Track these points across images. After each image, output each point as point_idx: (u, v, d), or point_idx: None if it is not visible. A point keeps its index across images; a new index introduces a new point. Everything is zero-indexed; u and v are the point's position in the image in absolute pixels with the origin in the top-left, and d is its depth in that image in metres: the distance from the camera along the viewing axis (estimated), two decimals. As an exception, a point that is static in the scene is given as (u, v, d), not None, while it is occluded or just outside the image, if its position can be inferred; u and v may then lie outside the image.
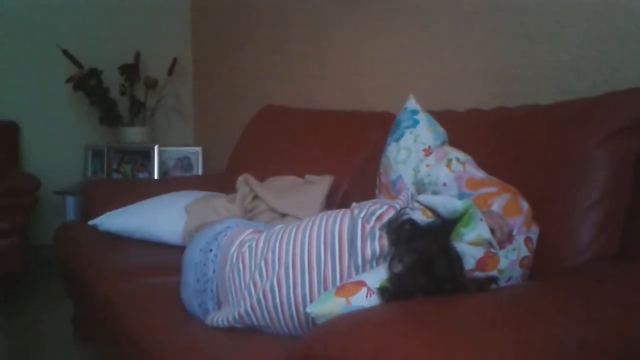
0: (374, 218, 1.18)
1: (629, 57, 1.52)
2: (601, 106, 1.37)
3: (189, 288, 1.39)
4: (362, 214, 1.20)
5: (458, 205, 1.20)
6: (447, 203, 1.22)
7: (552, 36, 1.70)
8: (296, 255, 1.23)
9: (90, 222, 2.22)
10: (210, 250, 1.38)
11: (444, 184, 1.40)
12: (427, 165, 1.46)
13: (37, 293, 3.10)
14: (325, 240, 1.21)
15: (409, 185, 1.52)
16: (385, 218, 1.18)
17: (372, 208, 1.21)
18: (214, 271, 1.36)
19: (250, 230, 1.39)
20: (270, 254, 1.26)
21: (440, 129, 1.57)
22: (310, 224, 1.27)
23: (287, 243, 1.26)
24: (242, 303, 1.27)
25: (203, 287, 1.36)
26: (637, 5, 1.49)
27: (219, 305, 1.35)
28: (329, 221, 1.24)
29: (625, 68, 1.53)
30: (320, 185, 2.03)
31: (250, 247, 1.31)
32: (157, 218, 2.09)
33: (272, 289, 1.23)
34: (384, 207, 1.21)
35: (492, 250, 1.16)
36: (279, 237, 1.29)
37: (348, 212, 1.25)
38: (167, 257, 1.93)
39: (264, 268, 1.26)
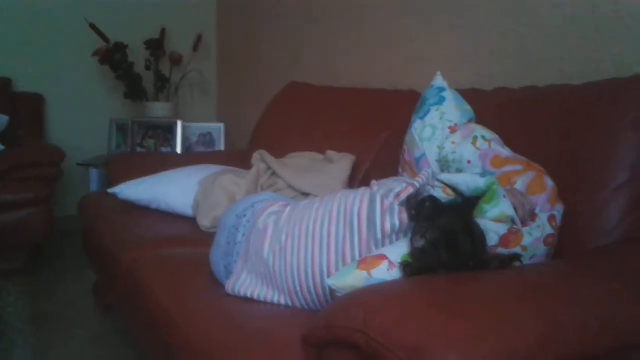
0: (392, 194, 1.19)
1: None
2: (632, 87, 1.34)
3: (219, 249, 1.42)
4: (381, 192, 1.21)
5: (481, 183, 1.19)
6: (470, 181, 1.21)
7: (584, 19, 1.66)
8: (316, 230, 1.24)
9: (110, 190, 2.25)
10: (244, 216, 1.41)
11: (469, 162, 1.39)
12: (453, 142, 1.45)
13: (60, 263, 3.15)
14: (345, 217, 1.22)
15: (433, 163, 1.50)
16: (404, 195, 1.19)
17: (390, 186, 1.22)
18: (243, 235, 1.38)
19: (282, 203, 1.41)
20: (291, 226, 1.28)
21: (467, 107, 1.55)
22: (331, 200, 1.29)
23: (309, 218, 1.27)
24: (261, 270, 1.29)
25: (231, 250, 1.39)
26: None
27: (240, 268, 1.36)
28: (349, 198, 1.25)
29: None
30: (342, 164, 2.02)
31: (275, 218, 1.33)
32: (173, 190, 2.12)
33: (291, 260, 1.25)
34: (403, 185, 1.21)
35: (515, 228, 1.15)
36: (301, 212, 1.31)
37: (368, 190, 1.26)
38: (183, 228, 1.97)
39: (284, 239, 1.27)
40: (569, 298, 0.92)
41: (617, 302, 0.94)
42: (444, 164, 1.46)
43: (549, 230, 1.19)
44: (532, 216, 1.20)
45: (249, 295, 1.32)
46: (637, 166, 1.26)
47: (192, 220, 2.01)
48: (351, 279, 1.08)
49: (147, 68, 3.67)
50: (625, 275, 1.05)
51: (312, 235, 1.24)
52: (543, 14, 1.78)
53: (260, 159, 2.16)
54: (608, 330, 0.90)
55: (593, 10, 1.63)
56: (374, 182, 1.28)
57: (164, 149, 3.56)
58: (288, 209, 1.35)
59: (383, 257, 1.09)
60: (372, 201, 1.21)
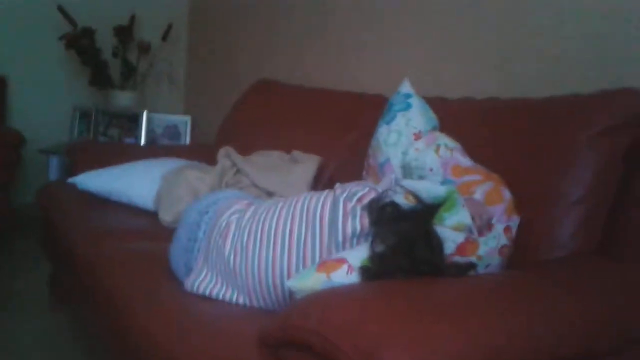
0: (355, 198, 1.21)
1: (626, 56, 1.53)
2: (592, 104, 1.38)
3: (179, 245, 1.41)
4: (344, 195, 1.22)
5: (440, 191, 1.22)
6: (430, 189, 1.24)
7: (550, 30, 1.70)
8: (278, 230, 1.25)
9: (70, 180, 2.22)
10: (207, 212, 1.41)
11: (431, 169, 1.41)
12: (416, 149, 1.47)
13: (15, 252, 3.08)
14: (307, 219, 1.23)
15: (397, 169, 1.52)
16: (366, 199, 1.20)
17: (354, 189, 1.24)
18: (204, 232, 1.38)
19: (246, 202, 1.41)
20: (254, 226, 1.29)
21: (432, 115, 1.58)
22: (294, 201, 1.29)
23: (271, 218, 1.28)
24: (221, 269, 1.29)
25: (192, 247, 1.38)
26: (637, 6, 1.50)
27: (200, 266, 1.36)
28: (312, 200, 1.26)
29: (621, 67, 1.54)
30: (308, 165, 2.03)
31: (238, 217, 1.33)
32: (135, 183, 2.10)
33: (252, 259, 1.25)
34: (366, 189, 1.23)
35: (472, 237, 1.17)
36: (265, 212, 1.31)
37: (331, 192, 1.27)
38: (143, 222, 1.96)
39: (246, 238, 1.27)
40: (523, 308, 0.95)
41: (569, 313, 0.98)
42: (407, 170, 1.48)
43: (504, 241, 1.22)
44: (489, 226, 1.23)
45: (207, 293, 1.31)
46: (592, 183, 1.30)
47: (153, 214, 2.00)
48: (310, 281, 1.09)
49: (115, 55, 3.60)
50: (577, 288, 1.09)
51: (274, 235, 1.25)
52: (514, 23, 1.82)
53: (225, 155, 2.15)
54: (562, 341, 0.93)
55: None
56: (338, 184, 1.30)
57: (127, 139, 3.51)
58: (252, 207, 1.36)
59: (343, 260, 1.11)
60: (334, 204, 1.22)
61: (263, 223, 1.28)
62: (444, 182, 1.31)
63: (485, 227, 1.22)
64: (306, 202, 1.27)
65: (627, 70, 1.52)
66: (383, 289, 1.00)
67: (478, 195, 1.27)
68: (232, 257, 1.28)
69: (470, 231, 1.17)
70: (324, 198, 1.26)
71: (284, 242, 1.23)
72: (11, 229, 3.22)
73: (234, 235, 1.30)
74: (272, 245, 1.24)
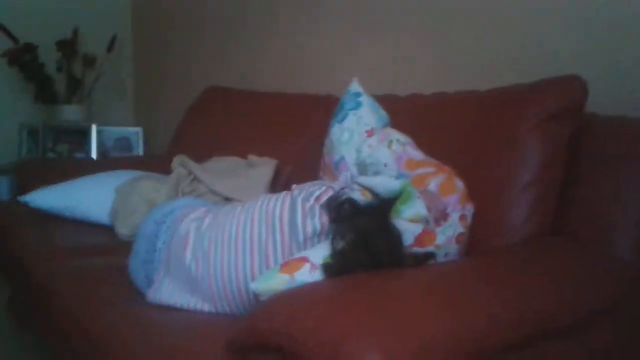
0: (313, 198, 1.23)
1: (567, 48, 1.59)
2: (535, 92, 1.43)
3: (138, 258, 1.40)
4: (302, 195, 1.24)
5: (395, 185, 1.25)
6: (385, 183, 1.27)
7: (495, 24, 1.75)
8: (238, 234, 1.25)
9: (21, 198, 2.16)
10: (164, 222, 1.40)
11: (385, 165, 1.44)
12: (370, 147, 1.49)
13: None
14: (267, 222, 1.24)
15: (352, 166, 1.54)
16: (324, 198, 1.22)
17: (310, 189, 1.25)
18: (163, 242, 1.37)
19: (203, 209, 1.41)
20: (214, 232, 1.29)
21: (383, 112, 1.60)
22: (252, 205, 1.30)
23: (231, 222, 1.28)
24: (184, 278, 1.28)
25: (151, 258, 1.37)
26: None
27: (162, 276, 1.35)
28: (270, 203, 1.27)
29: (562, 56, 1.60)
30: (264, 168, 2.03)
31: (197, 224, 1.32)
32: (88, 197, 2.08)
33: (214, 266, 1.25)
34: (322, 188, 1.25)
35: (429, 227, 1.20)
36: (224, 217, 1.31)
37: (289, 193, 1.28)
38: (100, 237, 1.94)
39: (206, 245, 1.27)
40: (480, 293, 0.98)
41: (524, 295, 1.01)
42: (362, 167, 1.50)
43: (460, 229, 1.26)
44: (444, 216, 1.26)
45: (171, 303, 1.31)
46: (539, 167, 1.35)
47: (109, 229, 1.97)
48: (274, 282, 1.10)
49: (59, 70, 3.52)
50: (531, 270, 1.13)
51: (235, 239, 1.25)
52: (460, 21, 1.87)
53: (180, 163, 2.14)
54: (517, 322, 0.96)
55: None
56: (294, 185, 1.31)
57: (77, 155, 3.44)
58: (210, 214, 1.36)
59: (305, 259, 1.12)
60: (293, 204, 1.23)
61: (223, 229, 1.28)
62: (398, 176, 1.34)
63: (441, 217, 1.26)
64: (264, 205, 1.28)
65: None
66: (346, 284, 1.02)
67: (432, 186, 1.30)
68: (193, 265, 1.28)
69: (426, 222, 1.20)
70: (282, 200, 1.27)
71: (244, 246, 1.24)
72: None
73: (194, 243, 1.30)
74: (233, 250, 1.25)
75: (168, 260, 1.34)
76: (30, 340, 2.27)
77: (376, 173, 1.46)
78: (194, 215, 1.38)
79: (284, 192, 1.31)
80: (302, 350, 0.85)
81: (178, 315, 1.28)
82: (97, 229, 2.01)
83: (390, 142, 1.46)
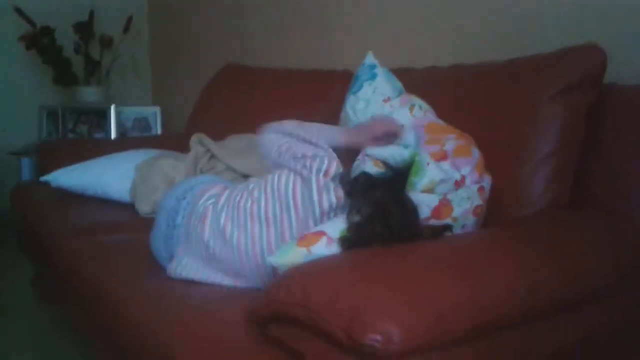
0: (321, 174, 1.22)
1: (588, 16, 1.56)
2: (554, 62, 1.41)
3: (159, 233, 1.42)
4: (313, 171, 1.22)
5: (405, 154, 1.25)
6: (396, 153, 1.27)
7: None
8: (254, 212, 1.26)
9: (43, 178, 2.19)
10: (184, 198, 1.41)
11: (402, 126, 1.41)
12: (391, 106, 1.47)
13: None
14: (280, 199, 1.24)
15: None
16: (332, 171, 1.22)
17: (316, 165, 1.23)
18: (182, 217, 1.38)
19: (221, 186, 1.42)
20: (230, 209, 1.30)
21: (398, 84, 1.59)
22: (263, 183, 1.30)
23: (245, 200, 1.29)
24: (203, 254, 1.30)
25: (171, 233, 1.39)
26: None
27: (182, 251, 1.37)
28: (281, 181, 1.27)
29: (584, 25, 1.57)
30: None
31: (214, 201, 1.34)
32: (109, 175, 2.09)
33: (231, 243, 1.27)
34: (325, 160, 1.23)
35: (446, 195, 1.19)
36: (239, 195, 1.32)
37: (291, 171, 1.27)
38: (121, 214, 1.96)
39: (222, 222, 1.29)
40: (498, 264, 0.98)
41: (540, 266, 1.00)
42: None
43: (477, 201, 1.25)
44: (461, 181, 1.25)
45: (191, 277, 1.33)
46: (560, 138, 1.33)
47: (129, 206, 1.99)
48: (291, 255, 1.11)
49: (76, 52, 3.55)
50: (549, 240, 1.12)
51: (251, 217, 1.26)
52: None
53: (198, 141, 2.15)
54: (533, 293, 0.95)
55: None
56: (289, 155, 1.29)
57: (97, 135, 3.47)
58: (226, 191, 1.37)
59: (322, 233, 1.13)
60: (306, 182, 1.23)
61: (237, 207, 1.29)
62: (407, 146, 1.32)
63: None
64: (275, 183, 1.28)
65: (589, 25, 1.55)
66: (362, 256, 1.03)
67: (448, 147, 1.29)
68: (211, 242, 1.29)
69: (443, 182, 1.19)
70: (292, 176, 1.26)
71: (260, 222, 1.25)
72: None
73: (211, 220, 1.31)
74: (250, 228, 1.26)
75: (187, 237, 1.36)
76: (53, 313, 2.32)
77: None
78: (212, 192, 1.39)
79: (285, 169, 1.29)
80: (319, 321, 0.86)
81: (198, 289, 1.30)
82: (117, 206, 2.03)
83: (412, 106, 1.45)
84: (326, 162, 1.24)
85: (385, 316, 0.80)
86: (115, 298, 1.32)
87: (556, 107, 1.34)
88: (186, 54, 3.60)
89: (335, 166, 1.23)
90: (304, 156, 1.26)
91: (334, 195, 1.21)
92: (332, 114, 1.87)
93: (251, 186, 1.32)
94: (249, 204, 1.28)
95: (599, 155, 1.36)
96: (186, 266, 1.34)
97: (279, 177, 1.28)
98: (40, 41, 3.39)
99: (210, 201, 1.36)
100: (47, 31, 3.40)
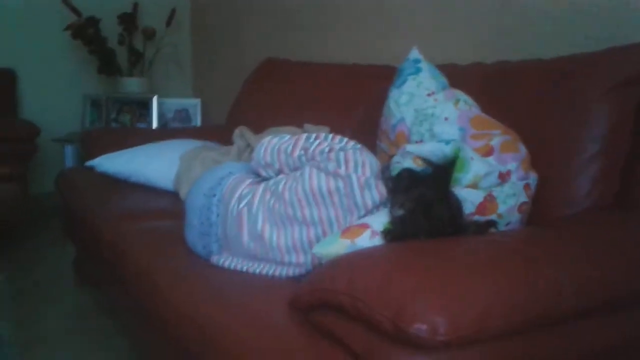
0: (359, 170, 1.21)
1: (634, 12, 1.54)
2: (603, 60, 1.39)
3: (194, 230, 1.43)
4: (349, 168, 1.21)
5: (447, 150, 1.24)
6: (436, 150, 1.26)
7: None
8: (289, 215, 1.26)
9: (88, 163, 2.24)
10: (214, 195, 1.41)
11: (446, 118, 1.40)
12: (435, 100, 1.46)
13: (37, 241, 3.13)
14: (315, 200, 1.23)
15: (410, 127, 1.51)
16: (367, 167, 1.21)
17: (347, 160, 1.22)
18: (217, 215, 1.39)
19: (248, 182, 1.41)
20: (266, 213, 1.29)
21: (443, 79, 1.57)
22: (294, 185, 1.27)
23: (280, 204, 1.28)
24: (244, 254, 1.33)
25: (207, 231, 1.40)
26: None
27: (222, 248, 1.39)
28: (313, 181, 1.24)
29: (628, 24, 1.55)
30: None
31: (248, 203, 1.33)
32: (153, 163, 2.11)
33: (270, 245, 1.28)
34: (349, 148, 1.24)
35: (491, 190, 1.18)
36: (271, 198, 1.30)
37: (314, 167, 1.26)
38: (163, 201, 1.98)
39: (260, 226, 1.29)
40: (543, 261, 0.97)
41: (586, 267, 1.00)
42: (421, 117, 1.46)
43: (523, 198, 1.24)
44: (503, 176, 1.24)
45: (232, 267, 1.35)
46: (607, 137, 1.31)
47: (172, 194, 2.02)
48: (335, 247, 1.12)
49: (120, 43, 3.62)
50: (595, 240, 1.11)
51: (288, 219, 1.26)
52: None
53: (240, 135, 2.17)
54: (580, 293, 0.95)
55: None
56: (309, 153, 1.30)
57: (139, 125, 3.53)
58: (258, 191, 1.34)
59: (366, 225, 1.14)
60: (346, 180, 1.21)
61: (272, 209, 1.28)
62: (448, 141, 1.31)
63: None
64: (306, 184, 1.24)
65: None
66: (406, 249, 1.03)
67: (494, 144, 1.28)
68: (251, 245, 1.31)
69: (488, 176, 1.18)
70: (324, 177, 1.23)
71: (300, 224, 1.25)
72: (32, 218, 3.27)
73: (248, 224, 1.31)
74: (289, 228, 1.26)
75: (226, 238, 1.37)
76: (95, 295, 2.38)
77: (431, 125, 1.42)
78: (241, 190, 1.38)
79: (308, 167, 1.27)
80: (365, 310, 0.86)
81: (240, 276, 1.32)
82: (161, 193, 2.05)
83: (458, 100, 1.43)
84: (359, 155, 1.23)
85: (433, 307, 0.81)
86: (157, 284, 1.34)
87: (605, 105, 1.32)
88: (227, 48, 3.64)
89: (369, 160, 1.23)
90: (331, 149, 1.26)
91: (377, 192, 1.21)
92: (373, 109, 1.87)
93: (280, 187, 1.30)
94: (282, 208, 1.27)
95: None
96: (227, 259, 1.36)
97: (309, 177, 1.25)
98: (85, 31, 3.46)
99: (243, 203, 1.34)
100: (93, 21, 3.47)
